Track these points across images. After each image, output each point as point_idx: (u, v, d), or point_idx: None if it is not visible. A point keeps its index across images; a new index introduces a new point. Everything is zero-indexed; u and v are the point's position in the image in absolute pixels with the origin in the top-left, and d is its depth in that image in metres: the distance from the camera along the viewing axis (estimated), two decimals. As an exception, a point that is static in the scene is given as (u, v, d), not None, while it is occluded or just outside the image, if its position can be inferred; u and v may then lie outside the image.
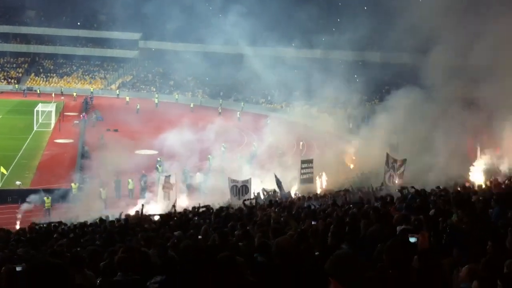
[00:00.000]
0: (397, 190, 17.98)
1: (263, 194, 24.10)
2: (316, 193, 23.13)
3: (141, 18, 67.29)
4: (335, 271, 2.98)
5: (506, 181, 16.87)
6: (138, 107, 53.88)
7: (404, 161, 23.60)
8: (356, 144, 30.24)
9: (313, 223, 10.03)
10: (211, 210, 17.69)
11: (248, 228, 9.88)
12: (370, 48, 52.13)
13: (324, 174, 27.04)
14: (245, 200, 20.99)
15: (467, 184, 19.34)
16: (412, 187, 16.87)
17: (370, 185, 21.48)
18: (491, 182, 18.62)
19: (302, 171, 26.29)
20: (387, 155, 23.96)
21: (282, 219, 12.53)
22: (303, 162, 26.59)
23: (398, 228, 7.03)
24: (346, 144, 30.96)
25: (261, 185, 25.08)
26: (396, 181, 22.73)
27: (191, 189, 28.64)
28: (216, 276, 3.75)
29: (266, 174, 27.00)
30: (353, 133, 30.69)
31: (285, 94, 48.85)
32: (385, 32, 39.90)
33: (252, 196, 22.49)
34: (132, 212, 19.45)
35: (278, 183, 24.80)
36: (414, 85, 29.26)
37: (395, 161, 23.58)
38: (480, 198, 11.36)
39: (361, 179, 25.99)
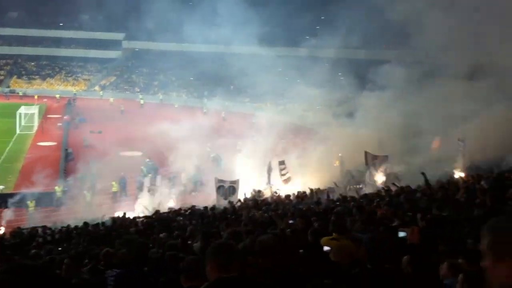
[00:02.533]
0: (382, 188, 18.03)
1: (251, 194, 24.10)
2: (304, 192, 23.14)
3: (124, 18, 66.78)
4: None
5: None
6: (122, 108, 53.52)
7: (385, 157, 23.65)
8: (341, 141, 30.23)
9: (290, 222, 10.08)
10: (197, 211, 17.67)
11: (233, 229, 9.86)
12: (355, 45, 52.27)
13: (308, 172, 27.06)
14: (231, 201, 21.00)
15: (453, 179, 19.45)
16: (394, 183, 16.94)
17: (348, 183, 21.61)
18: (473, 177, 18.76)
19: (281, 172, 26.29)
20: (366, 153, 24.00)
21: (267, 217, 12.53)
22: (280, 163, 26.58)
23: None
24: (331, 142, 30.94)
25: (249, 186, 25.13)
26: (378, 179, 22.80)
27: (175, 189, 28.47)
28: None
29: (254, 174, 26.95)
30: (339, 130, 30.59)
31: (270, 93, 48.81)
32: (370, 29, 40.16)
33: (239, 197, 22.48)
34: (119, 214, 19.39)
35: (269, 171, 25.01)
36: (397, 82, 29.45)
37: (375, 157, 23.63)
38: (462, 197, 11.39)
39: (346, 177, 26.06)
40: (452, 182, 17.33)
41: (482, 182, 14.06)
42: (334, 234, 6.73)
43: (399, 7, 29.48)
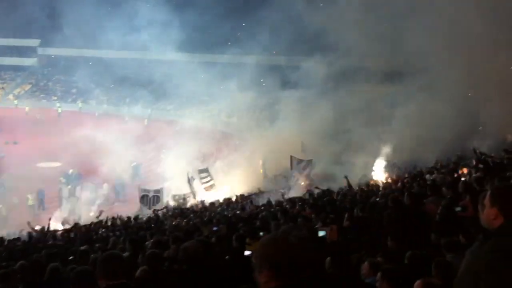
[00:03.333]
0: (305, 191, 18.41)
1: (174, 201, 23.87)
2: (229, 198, 23.17)
3: (39, 24, 64.16)
4: None
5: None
6: (38, 117, 51.38)
7: (309, 161, 24.19)
8: (265, 146, 30.54)
9: (214, 228, 10.11)
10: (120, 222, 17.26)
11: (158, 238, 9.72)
12: (275, 52, 52.99)
13: (234, 179, 27.14)
14: (155, 210, 20.69)
15: (371, 182, 20.14)
16: (316, 187, 17.34)
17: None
18: (392, 180, 19.53)
19: (202, 181, 26.17)
20: (291, 157, 24.47)
21: (192, 225, 12.45)
22: (200, 171, 26.48)
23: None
24: (255, 147, 31.16)
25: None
26: (302, 183, 23.27)
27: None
28: None
29: (178, 183, 26.68)
30: (262, 135, 30.90)
31: (193, 99, 48.60)
32: (289, 36, 40.93)
33: (163, 206, 22.20)
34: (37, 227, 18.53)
35: (190, 181, 24.84)
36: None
37: (300, 161, 24.12)
38: (378, 199, 11.80)
39: (271, 183, 26.36)
40: (372, 185, 18.00)
41: (399, 184, 14.71)
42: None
43: (317, 15, 30.40)
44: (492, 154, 15.89)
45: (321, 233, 6.38)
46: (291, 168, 24.32)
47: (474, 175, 11.01)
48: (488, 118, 22.34)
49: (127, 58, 62.06)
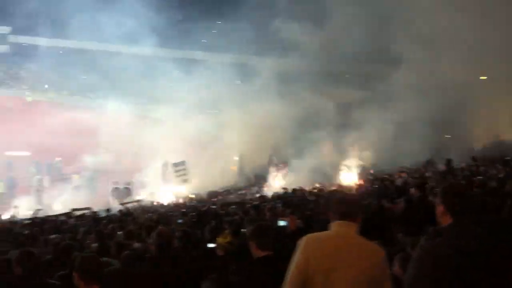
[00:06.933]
0: (282, 190, 18.79)
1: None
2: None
3: (11, 11, 63.01)
4: None
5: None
6: (8, 105, 50.55)
7: (285, 164, 24.63)
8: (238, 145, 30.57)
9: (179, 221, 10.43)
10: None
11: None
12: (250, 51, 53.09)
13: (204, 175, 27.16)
14: (124, 203, 20.66)
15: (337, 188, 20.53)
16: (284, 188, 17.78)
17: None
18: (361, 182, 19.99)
19: (176, 174, 26.10)
20: (270, 156, 24.81)
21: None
22: (175, 164, 26.40)
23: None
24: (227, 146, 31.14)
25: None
26: (278, 183, 23.65)
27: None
28: None
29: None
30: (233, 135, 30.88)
31: (162, 97, 48.18)
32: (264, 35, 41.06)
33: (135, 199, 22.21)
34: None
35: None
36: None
37: (278, 163, 24.55)
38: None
39: (243, 180, 26.60)
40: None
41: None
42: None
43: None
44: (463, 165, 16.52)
45: (282, 223, 6.92)
46: (270, 167, 24.72)
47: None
48: (456, 126, 22.99)
49: (99, 50, 61.40)
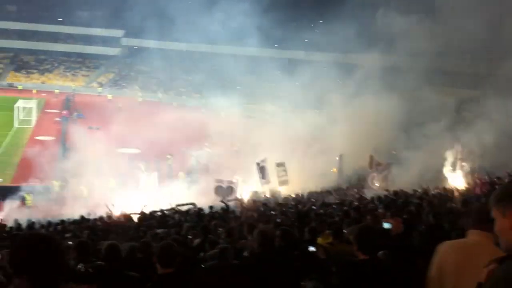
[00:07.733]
0: (386, 193, 18.35)
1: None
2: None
3: (124, 15, 66.81)
4: None
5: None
6: (120, 105, 53.60)
7: (388, 165, 23.99)
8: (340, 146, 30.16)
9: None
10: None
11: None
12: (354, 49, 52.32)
13: (306, 176, 27.09)
14: (224, 200, 21.04)
15: (447, 187, 19.71)
16: (386, 190, 17.33)
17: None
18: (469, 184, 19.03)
19: (278, 174, 26.26)
20: (371, 157, 24.29)
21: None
22: (278, 165, 26.52)
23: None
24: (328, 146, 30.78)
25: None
26: (378, 184, 23.10)
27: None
28: None
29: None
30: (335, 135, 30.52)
31: (266, 96, 48.66)
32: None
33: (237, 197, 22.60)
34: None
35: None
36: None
37: (379, 164, 23.95)
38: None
39: (343, 181, 26.29)
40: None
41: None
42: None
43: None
44: None
45: (386, 225, 6.72)
46: (370, 168, 24.24)
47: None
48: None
49: (208, 52, 63.40)
